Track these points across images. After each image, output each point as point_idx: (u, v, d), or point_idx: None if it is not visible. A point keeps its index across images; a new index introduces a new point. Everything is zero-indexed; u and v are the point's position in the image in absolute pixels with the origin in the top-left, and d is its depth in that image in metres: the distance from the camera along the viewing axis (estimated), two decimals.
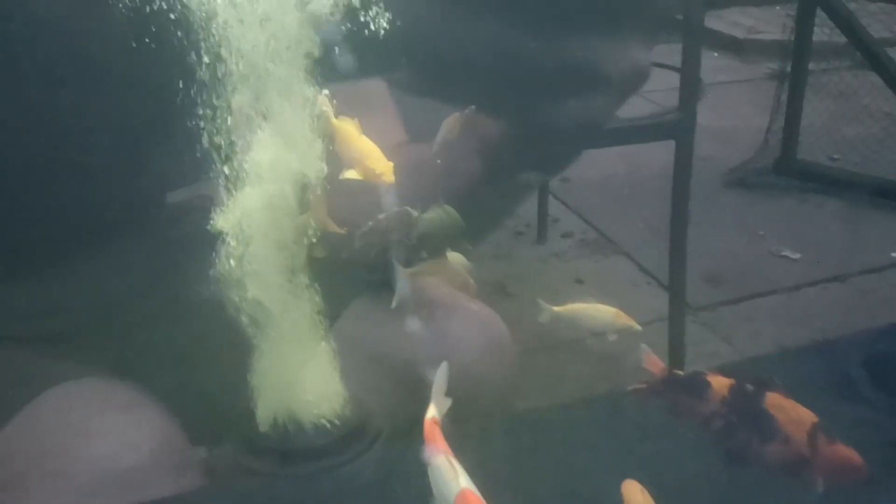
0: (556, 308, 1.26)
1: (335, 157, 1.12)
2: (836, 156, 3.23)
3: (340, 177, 1.07)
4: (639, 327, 1.23)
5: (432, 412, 0.91)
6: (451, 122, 1.28)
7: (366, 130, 1.13)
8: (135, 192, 1.14)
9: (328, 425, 1.13)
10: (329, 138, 1.10)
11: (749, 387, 1.00)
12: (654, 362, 1.07)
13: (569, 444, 1.11)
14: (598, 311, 1.28)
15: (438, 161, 1.30)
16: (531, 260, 2.64)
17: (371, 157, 1.06)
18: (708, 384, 1.01)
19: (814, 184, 3.02)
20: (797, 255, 2.57)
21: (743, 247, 2.64)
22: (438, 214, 1.26)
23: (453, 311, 1.27)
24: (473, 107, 1.31)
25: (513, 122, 1.40)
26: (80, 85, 1.07)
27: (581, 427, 1.13)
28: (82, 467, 0.98)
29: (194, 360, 1.18)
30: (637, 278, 2.51)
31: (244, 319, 1.09)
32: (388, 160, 1.11)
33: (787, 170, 3.07)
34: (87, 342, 1.13)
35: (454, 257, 1.67)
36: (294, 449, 1.13)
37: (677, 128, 1.85)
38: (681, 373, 1.07)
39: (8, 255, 1.12)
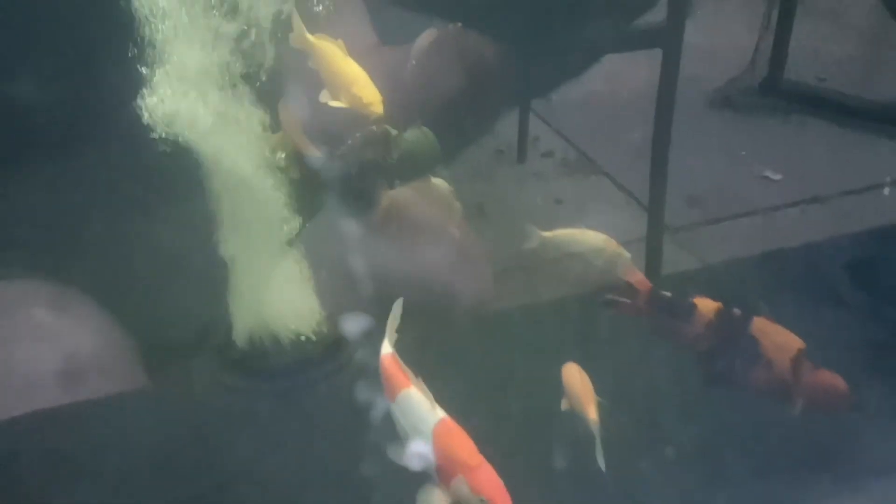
0: (544, 233, 1.23)
1: (313, 76, 1.08)
2: (823, 76, 3.20)
3: (322, 100, 1.03)
4: (628, 254, 1.22)
5: (387, 348, 0.88)
6: (431, 34, 1.24)
7: (334, 30, 1.08)
8: (88, 106, 1.10)
9: (304, 340, 1.14)
10: (304, 55, 1.06)
11: (736, 311, 0.99)
12: (639, 278, 1.06)
13: (536, 349, 1.12)
14: (587, 237, 1.24)
15: (416, 70, 1.27)
16: (510, 180, 2.61)
17: (358, 85, 1.01)
18: (694, 307, 1.00)
19: (799, 104, 2.99)
20: (778, 177, 2.56)
21: (725, 168, 2.63)
22: (416, 136, 1.24)
23: (428, 230, 1.27)
24: (459, 24, 1.27)
25: (502, 40, 1.36)
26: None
27: (550, 335, 1.14)
28: (9, 368, 0.98)
29: (162, 276, 1.18)
30: (617, 198, 2.50)
31: (215, 235, 1.08)
32: (363, 66, 1.07)
33: (773, 90, 3.03)
34: (43, 255, 1.12)
35: (437, 180, 1.65)
36: (271, 364, 1.14)
37: (665, 36, 1.81)
38: (667, 293, 1.06)
39: None
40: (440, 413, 0.80)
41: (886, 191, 1.95)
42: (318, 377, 1.12)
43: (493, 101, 1.46)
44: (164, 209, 1.14)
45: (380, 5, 1.35)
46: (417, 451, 0.80)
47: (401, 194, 1.27)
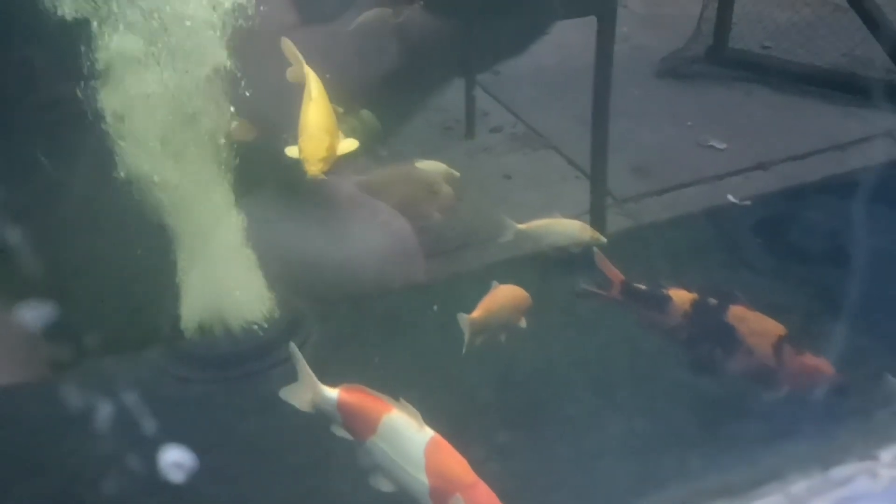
0: (519, 226, 1.23)
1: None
2: (767, 43, 3.24)
3: (285, 149, 1.01)
4: (604, 239, 1.23)
5: (334, 392, 0.84)
6: (375, 11, 1.23)
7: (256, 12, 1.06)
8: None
9: (253, 328, 1.14)
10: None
11: (711, 300, 1.01)
12: (610, 269, 1.08)
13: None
14: (563, 226, 1.25)
15: (350, 47, 1.25)
16: (460, 156, 2.58)
17: (305, 136, 0.98)
18: (669, 298, 1.02)
19: (745, 72, 3.03)
20: (723, 146, 2.60)
21: (671, 138, 2.65)
22: (351, 125, 1.23)
23: (358, 215, 1.26)
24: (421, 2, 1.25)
25: (441, 14, 1.34)
26: None
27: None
28: None
29: (106, 267, 1.16)
30: (566, 172, 2.52)
31: (160, 224, 1.07)
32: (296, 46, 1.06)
33: (718, 58, 3.05)
34: None
35: (431, 164, 1.64)
36: (221, 353, 1.14)
37: (600, 3, 1.81)
38: (640, 285, 1.06)
39: None
40: (429, 432, 0.77)
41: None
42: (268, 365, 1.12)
43: (432, 77, 1.45)
44: (107, 197, 1.12)
45: None
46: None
47: (366, 179, 1.27)
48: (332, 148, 0.99)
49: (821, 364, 0.96)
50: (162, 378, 1.11)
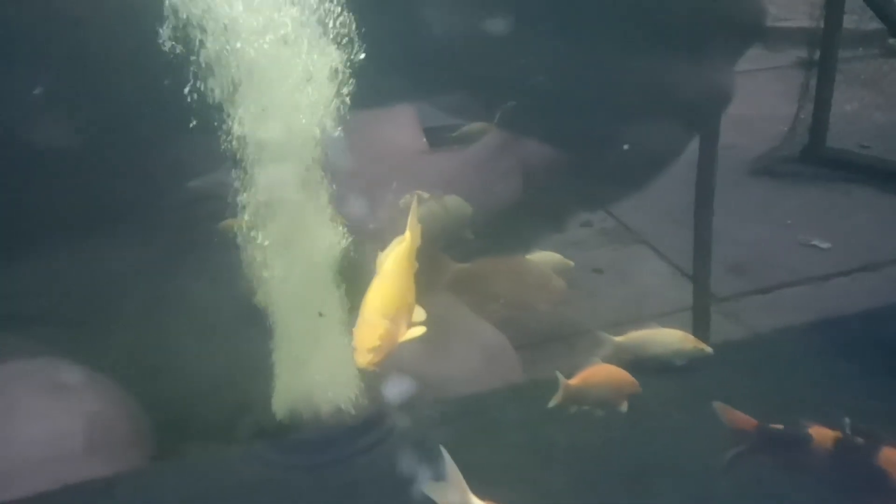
0: (617, 338, 1.18)
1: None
2: (865, 143, 3.15)
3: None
4: (709, 349, 1.16)
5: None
6: (489, 139, 1.23)
7: (383, 137, 1.06)
8: (148, 182, 1.11)
9: (343, 416, 1.10)
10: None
11: (857, 440, 0.94)
12: (740, 418, 1.00)
13: None
14: (663, 336, 1.19)
15: (478, 175, 1.25)
16: (550, 250, 2.57)
17: (360, 327, 0.89)
18: (810, 437, 0.95)
19: (843, 172, 2.94)
20: (826, 245, 2.49)
21: (769, 236, 2.57)
22: (432, 210, 1.20)
23: (458, 335, 1.22)
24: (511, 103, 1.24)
25: (566, 148, 1.31)
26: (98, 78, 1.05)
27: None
28: (2, 453, 0.95)
29: (203, 348, 1.16)
30: (658, 268, 2.45)
31: (258, 311, 1.06)
32: (413, 172, 1.05)
33: (815, 158, 2.99)
34: (82, 327, 1.11)
35: (544, 255, 1.61)
36: (307, 439, 1.10)
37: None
38: (778, 426, 1.00)
39: (12, 237, 1.10)
40: None
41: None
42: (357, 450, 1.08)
43: (552, 209, 1.40)
44: (203, 282, 1.13)
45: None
46: None
47: (467, 268, 1.24)
48: (388, 336, 0.87)
49: None
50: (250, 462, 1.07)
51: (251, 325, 1.05)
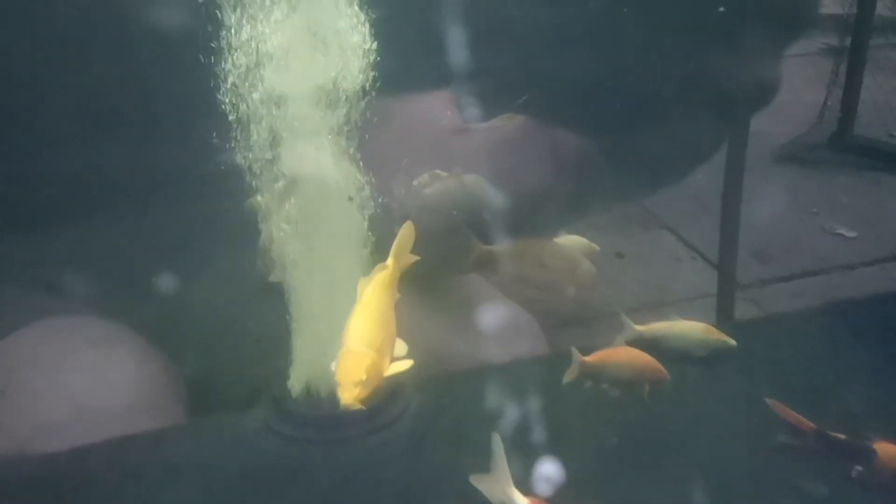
0: (638, 327, 1.16)
1: None
2: (894, 132, 3.10)
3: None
4: (733, 342, 1.14)
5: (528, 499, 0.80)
6: (508, 116, 1.22)
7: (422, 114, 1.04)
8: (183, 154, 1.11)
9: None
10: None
11: None
12: (796, 418, 0.97)
13: None
14: (686, 329, 1.17)
15: (511, 155, 1.23)
16: (570, 233, 2.56)
17: (341, 355, 0.82)
18: (874, 453, 0.91)
19: (871, 160, 2.89)
20: (853, 233, 2.46)
21: (794, 223, 2.54)
22: (448, 187, 1.18)
23: (486, 313, 1.21)
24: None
25: (607, 144, 1.28)
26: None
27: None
28: (51, 403, 0.96)
29: (226, 321, 1.16)
30: (680, 253, 2.43)
31: (278, 290, 1.06)
32: (451, 149, 1.03)
33: (843, 145, 2.94)
34: (112, 294, 1.12)
35: (572, 239, 1.59)
36: (324, 415, 1.11)
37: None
38: (840, 435, 0.96)
39: (39, 208, 1.11)
40: None
41: None
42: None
43: (583, 198, 1.37)
44: (229, 261, 1.14)
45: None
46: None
47: (500, 251, 1.23)
48: (375, 368, 0.80)
49: None
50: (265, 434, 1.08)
51: (273, 301, 1.06)
